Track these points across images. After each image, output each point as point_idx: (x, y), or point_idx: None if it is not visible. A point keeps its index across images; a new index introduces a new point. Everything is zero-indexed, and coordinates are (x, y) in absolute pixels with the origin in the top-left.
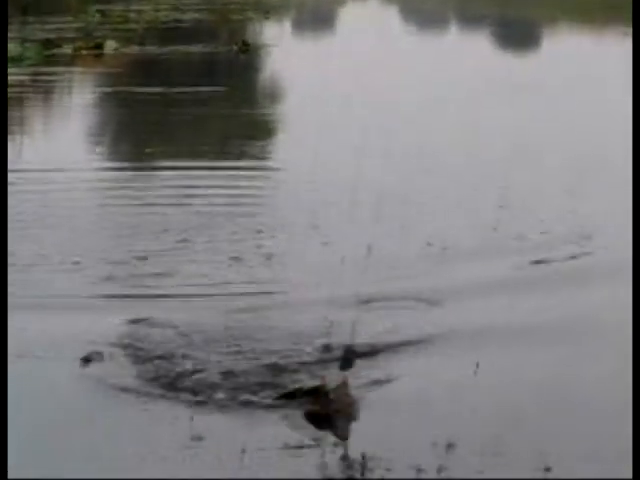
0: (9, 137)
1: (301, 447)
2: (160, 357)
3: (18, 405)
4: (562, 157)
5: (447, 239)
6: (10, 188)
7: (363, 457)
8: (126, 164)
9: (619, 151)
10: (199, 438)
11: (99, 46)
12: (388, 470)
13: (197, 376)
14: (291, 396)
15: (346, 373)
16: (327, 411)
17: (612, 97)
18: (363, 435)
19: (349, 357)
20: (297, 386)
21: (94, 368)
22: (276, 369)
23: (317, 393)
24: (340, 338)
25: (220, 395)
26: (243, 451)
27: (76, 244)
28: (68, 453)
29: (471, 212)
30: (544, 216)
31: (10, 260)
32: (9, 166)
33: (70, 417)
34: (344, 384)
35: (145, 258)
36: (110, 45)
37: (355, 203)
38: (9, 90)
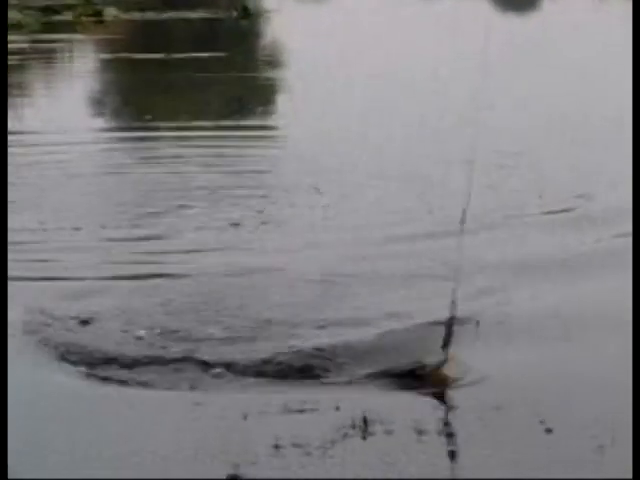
0: (13, 103)
1: None
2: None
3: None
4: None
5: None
6: (15, 152)
7: None
8: (126, 129)
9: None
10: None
11: (99, 13)
12: None
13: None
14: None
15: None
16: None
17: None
18: None
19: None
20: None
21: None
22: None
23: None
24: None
25: None
26: None
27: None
28: None
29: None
30: None
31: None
32: (17, 128)
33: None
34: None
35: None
36: (110, 12)
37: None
38: (12, 59)
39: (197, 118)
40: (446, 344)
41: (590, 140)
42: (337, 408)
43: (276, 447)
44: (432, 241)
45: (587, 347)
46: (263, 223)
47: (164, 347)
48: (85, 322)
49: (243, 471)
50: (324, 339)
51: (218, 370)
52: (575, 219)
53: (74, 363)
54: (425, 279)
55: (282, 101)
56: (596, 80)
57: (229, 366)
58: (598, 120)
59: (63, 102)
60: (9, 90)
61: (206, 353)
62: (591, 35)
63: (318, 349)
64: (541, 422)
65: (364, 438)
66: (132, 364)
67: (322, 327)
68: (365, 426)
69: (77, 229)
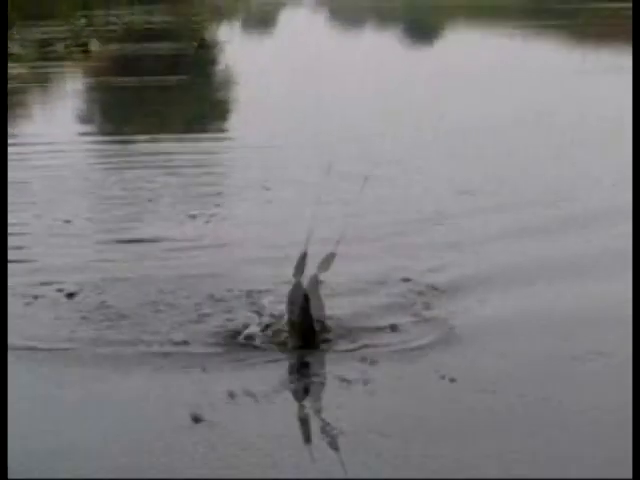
0: (12, 119)
1: None
2: None
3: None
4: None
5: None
6: (15, 158)
7: None
8: (108, 137)
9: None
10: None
11: (85, 45)
12: None
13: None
14: None
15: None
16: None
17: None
18: None
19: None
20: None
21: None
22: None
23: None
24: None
25: None
26: None
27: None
28: None
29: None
30: None
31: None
32: (15, 140)
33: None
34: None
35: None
36: (94, 44)
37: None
38: (13, 84)
39: (165, 129)
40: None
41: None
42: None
43: (231, 395)
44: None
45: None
46: (214, 215)
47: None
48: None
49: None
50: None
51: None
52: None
53: None
54: None
55: (234, 114)
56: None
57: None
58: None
59: (55, 116)
60: (11, 107)
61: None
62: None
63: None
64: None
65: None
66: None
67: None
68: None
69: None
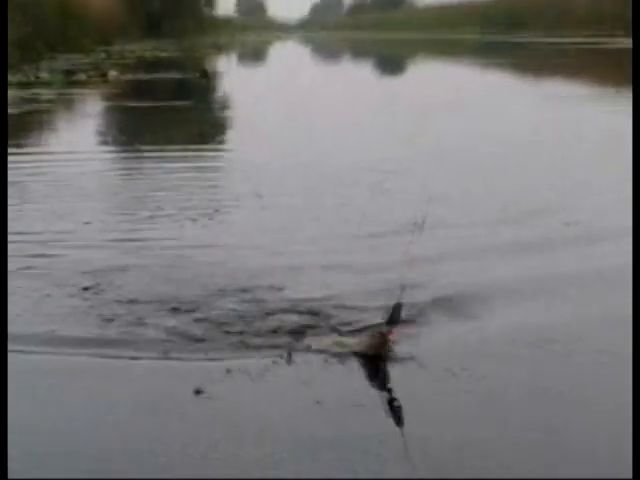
0: (43, 133)
1: None
2: None
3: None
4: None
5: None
6: (40, 165)
7: None
8: (124, 152)
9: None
10: None
11: (104, 74)
12: None
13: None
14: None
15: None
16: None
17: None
18: None
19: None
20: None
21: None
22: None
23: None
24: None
25: None
26: None
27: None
28: None
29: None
30: None
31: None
32: (44, 149)
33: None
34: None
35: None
36: (112, 73)
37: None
38: (44, 105)
39: (172, 145)
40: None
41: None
42: (270, 347)
43: (228, 371)
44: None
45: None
46: (212, 219)
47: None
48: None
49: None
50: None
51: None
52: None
53: None
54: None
55: (233, 133)
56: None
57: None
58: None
59: (79, 132)
60: (42, 124)
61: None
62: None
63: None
64: None
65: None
66: None
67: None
68: (289, 357)
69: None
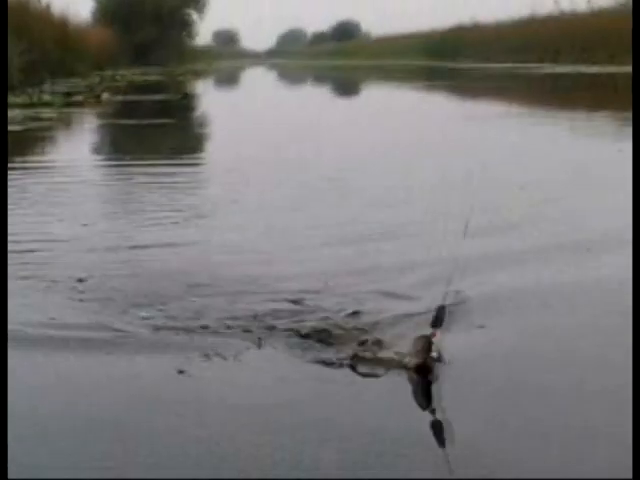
0: (45, 147)
1: None
2: None
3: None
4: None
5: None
6: (39, 174)
7: None
8: (115, 161)
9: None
10: None
11: (98, 96)
12: None
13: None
14: None
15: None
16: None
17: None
18: None
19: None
20: None
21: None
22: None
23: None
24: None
25: None
26: None
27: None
28: None
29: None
30: None
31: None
32: (45, 159)
33: None
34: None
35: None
36: (105, 95)
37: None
38: (45, 123)
39: (157, 155)
40: None
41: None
42: (245, 331)
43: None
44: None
45: None
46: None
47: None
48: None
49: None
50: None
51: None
52: None
53: None
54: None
55: (210, 145)
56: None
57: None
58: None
59: (76, 146)
60: (43, 139)
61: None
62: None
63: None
64: None
65: (259, 348)
66: None
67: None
68: (260, 342)
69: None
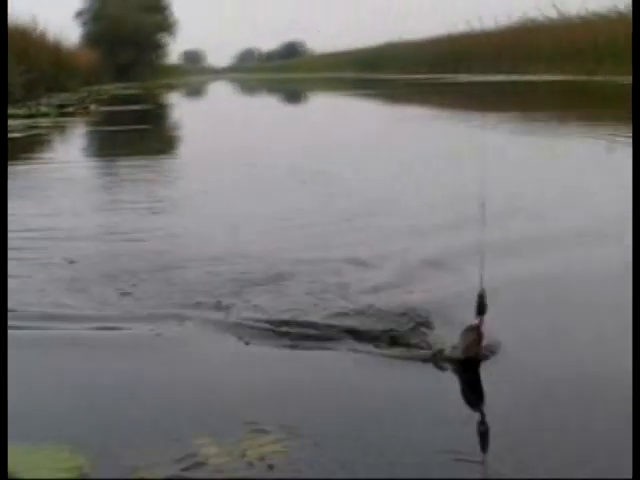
0: (41, 150)
1: None
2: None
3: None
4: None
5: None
6: (36, 171)
7: None
8: (100, 160)
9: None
10: None
11: (87, 107)
12: None
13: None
14: None
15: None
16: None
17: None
18: None
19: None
20: None
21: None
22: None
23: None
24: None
25: None
26: None
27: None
28: None
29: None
30: None
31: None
32: (44, 159)
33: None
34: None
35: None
36: (93, 106)
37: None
38: (43, 130)
39: (137, 156)
40: None
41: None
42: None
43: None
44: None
45: None
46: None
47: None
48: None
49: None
50: None
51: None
52: None
53: None
54: None
55: (183, 144)
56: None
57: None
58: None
59: (67, 149)
60: (41, 143)
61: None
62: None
63: None
64: None
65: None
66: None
67: None
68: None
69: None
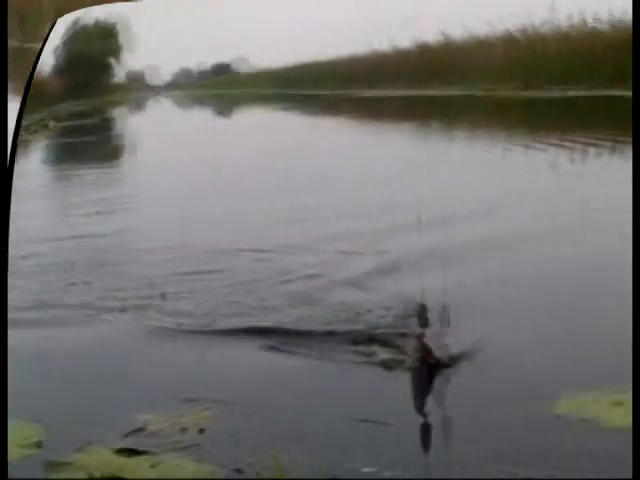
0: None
1: None
2: None
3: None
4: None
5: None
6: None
7: None
8: (59, 170)
9: None
10: None
11: (46, 125)
12: None
13: None
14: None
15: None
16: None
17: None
18: None
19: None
20: None
21: None
22: None
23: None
24: None
25: None
26: None
27: None
28: None
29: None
30: None
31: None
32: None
33: None
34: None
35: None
36: (52, 123)
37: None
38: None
39: (93, 162)
40: None
41: None
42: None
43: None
44: None
45: None
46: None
47: None
48: None
49: None
50: None
51: None
52: None
53: None
54: None
55: (136, 152)
56: None
57: None
58: None
59: (31, 159)
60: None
61: None
62: None
63: None
64: None
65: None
66: None
67: None
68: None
69: None
